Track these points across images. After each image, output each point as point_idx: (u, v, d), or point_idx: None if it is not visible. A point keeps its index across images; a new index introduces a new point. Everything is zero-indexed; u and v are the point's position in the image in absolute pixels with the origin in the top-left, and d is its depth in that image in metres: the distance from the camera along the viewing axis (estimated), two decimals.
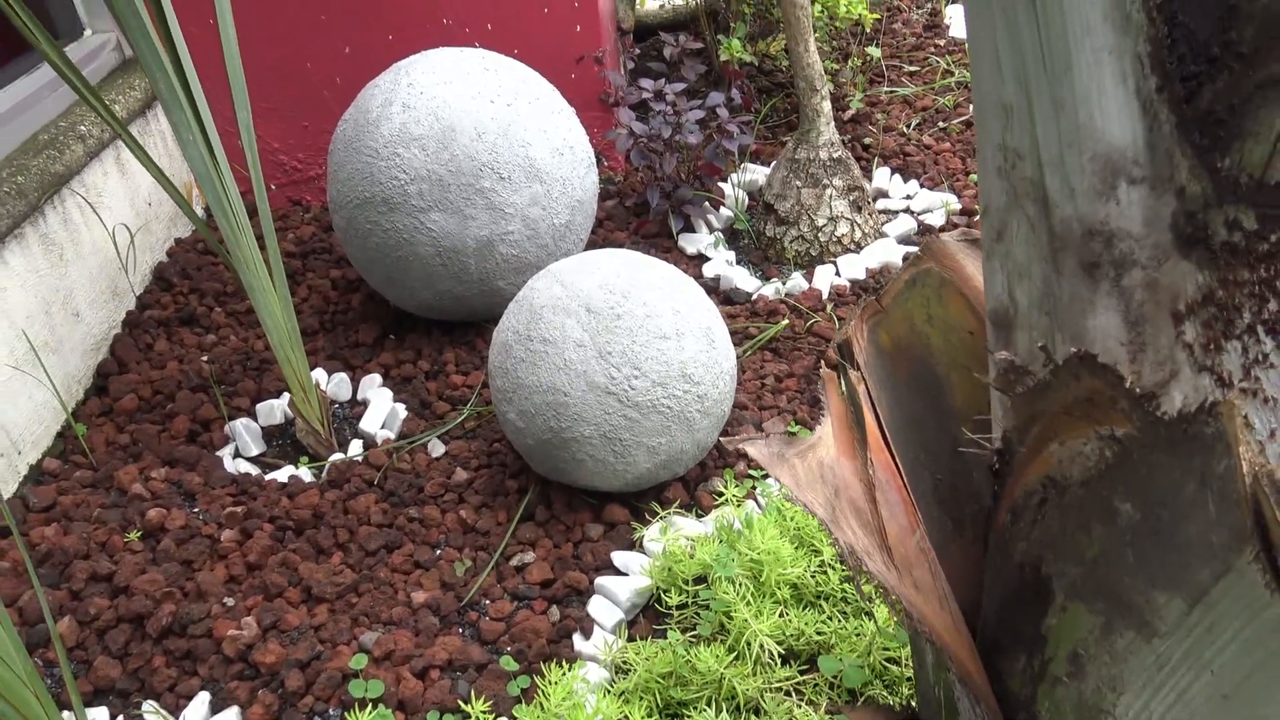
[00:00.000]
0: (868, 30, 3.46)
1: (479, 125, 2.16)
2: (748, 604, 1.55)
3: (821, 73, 2.42)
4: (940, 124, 3.05)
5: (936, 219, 2.58)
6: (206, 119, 1.85)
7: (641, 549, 1.81)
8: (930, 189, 2.72)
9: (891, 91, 3.29)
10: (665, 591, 1.67)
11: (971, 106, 3.17)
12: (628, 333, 1.73)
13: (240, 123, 1.91)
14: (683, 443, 1.81)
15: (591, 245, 2.65)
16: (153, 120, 2.79)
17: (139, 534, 1.91)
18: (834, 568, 1.59)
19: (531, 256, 2.26)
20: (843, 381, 0.94)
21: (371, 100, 2.22)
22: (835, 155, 2.48)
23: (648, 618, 1.71)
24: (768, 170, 2.85)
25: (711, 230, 2.67)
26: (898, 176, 2.78)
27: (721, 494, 1.87)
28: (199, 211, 2.94)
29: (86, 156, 2.40)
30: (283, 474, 2.09)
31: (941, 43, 3.60)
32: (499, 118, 2.18)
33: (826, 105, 2.45)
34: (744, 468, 1.96)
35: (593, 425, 1.74)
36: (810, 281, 2.44)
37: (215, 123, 1.88)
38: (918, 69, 3.43)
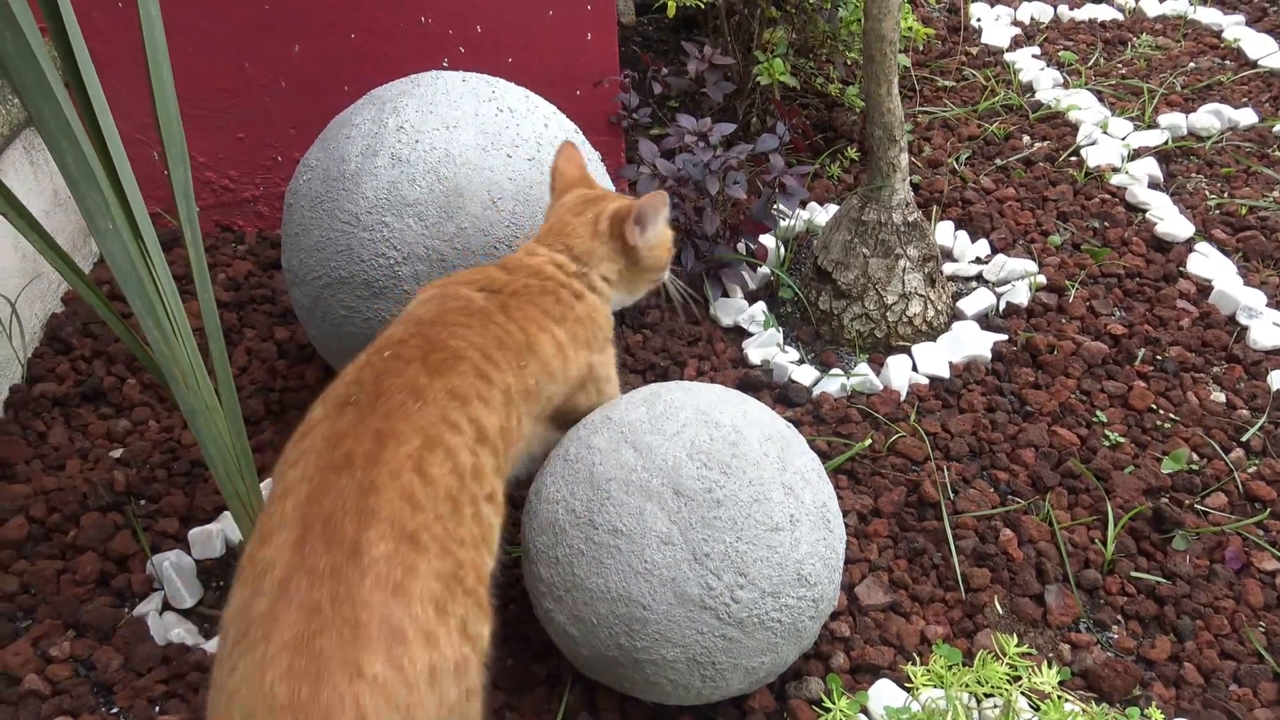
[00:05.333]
0: (919, 48, 3.03)
1: (493, 188, 1.65)
2: None
3: (902, 119, 1.97)
4: (997, 162, 2.62)
5: (1019, 295, 2.16)
6: (133, 193, 1.31)
7: None
8: (1004, 252, 2.30)
9: (928, 112, 2.85)
10: None
11: (1026, 138, 2.77)
12: (730, 525, 1.27)
13: (171, 160, 1.37)
14: (788, 656, 1.37)
15: None
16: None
17: None
18: None
19: None
20: None
21: (348, 145, 1.69)
22: (910, 219, 2.04)
23: None
24: (808, 215, 2.39)
25: (749, 298, 2.20)
26: (963, 233, 2.35)
27: (826, 709, 1.45)
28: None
29: None
30: None
31: (974, 51, 3.17)
32: (519, 177, 1.67)
33: (904, 159, 2.00)
34: (844, 661, 1.53)
35: (680, 647, 1.28)
36: (879, 373, 2.00)
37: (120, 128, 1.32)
38: (953, 84, 3.00)
